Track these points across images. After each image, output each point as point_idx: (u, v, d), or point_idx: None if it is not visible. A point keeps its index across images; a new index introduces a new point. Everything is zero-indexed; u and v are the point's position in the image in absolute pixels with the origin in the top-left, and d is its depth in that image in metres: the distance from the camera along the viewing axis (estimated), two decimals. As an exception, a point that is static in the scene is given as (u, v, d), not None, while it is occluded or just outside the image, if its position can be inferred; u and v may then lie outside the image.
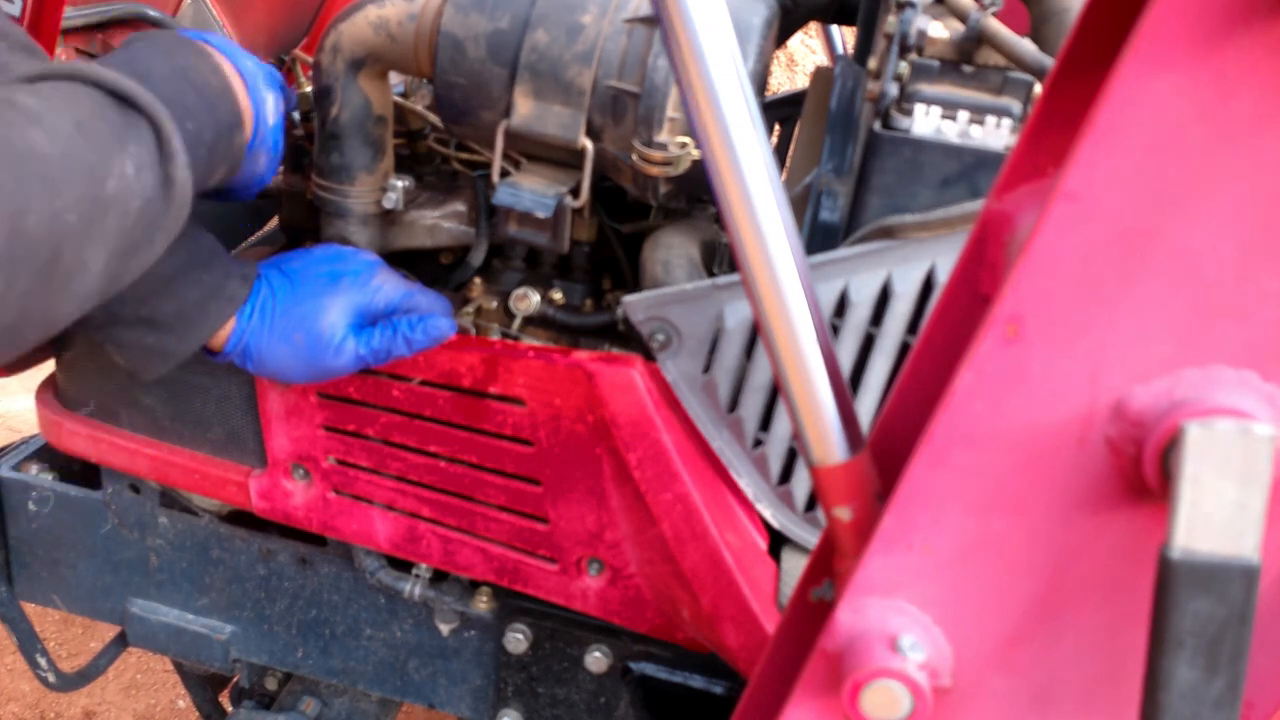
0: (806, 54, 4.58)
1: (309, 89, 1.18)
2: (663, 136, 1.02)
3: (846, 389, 0.59)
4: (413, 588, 1.27)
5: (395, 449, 1.18)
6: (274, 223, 1.39)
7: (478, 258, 1.18)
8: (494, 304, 1.19)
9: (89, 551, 1.39)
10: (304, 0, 1.67)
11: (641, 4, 1.04)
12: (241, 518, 1.32)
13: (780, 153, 1.53)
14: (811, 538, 1.08)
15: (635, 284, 1.19)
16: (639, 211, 1.22)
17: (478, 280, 1.19)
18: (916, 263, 0.97)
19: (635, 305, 1.04)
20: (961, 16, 1.00)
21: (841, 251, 0.98)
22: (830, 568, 0.64)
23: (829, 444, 0.59)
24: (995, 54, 0.98)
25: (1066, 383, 0.52)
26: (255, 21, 1.52)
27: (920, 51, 0.99)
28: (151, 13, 1.23)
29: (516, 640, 1.27)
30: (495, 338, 1.16)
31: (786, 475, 1.07)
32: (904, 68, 1.00)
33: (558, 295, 1.17)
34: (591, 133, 1.06)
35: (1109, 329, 0.51)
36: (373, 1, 1.08)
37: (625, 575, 1.16)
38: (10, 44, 0.97)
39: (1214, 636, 0.46)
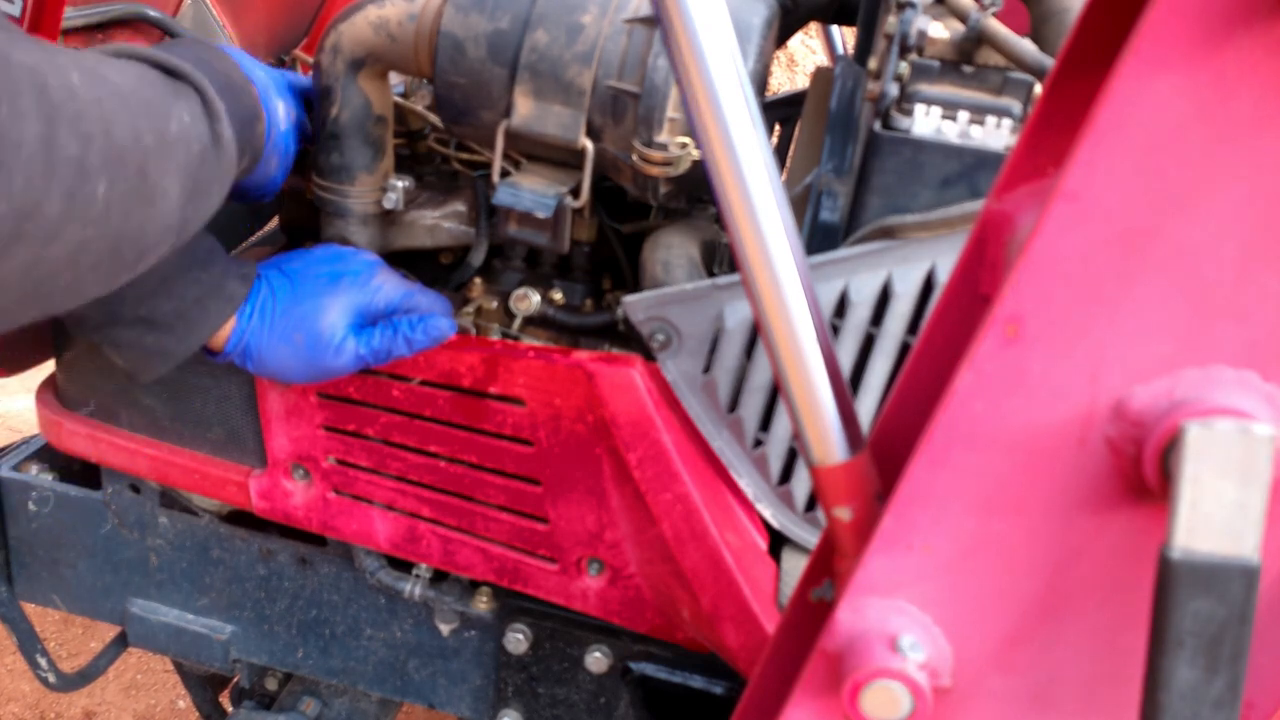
0: (806, 54, 4.58)
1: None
2: (663, 136, 1.02)
3: (846, 389, 0.59)
4: (413, 588, 1.27)
5: (395, 449, 1.18)
6: (274, 223, 1.39)
7: (478, 258, 1.18)
8: (494, 304, 1.19)
9: (89, 551, 1.39)
10: (304, 0, 1.67)
11: (641, 4, 1.04)
12: (241, 518, 1.32)
13: (780, 153, 1.53)
14: (811, 538, 1.08)
15: (635, 284, 1.19)
16: (639, 211, 1.22)
17: (478, 280, 1.19)
18: (916, 263, 0.97)
19: (635, 305, 1.04)
20: (961, 16, 1.00)
21: (841, 251, 0.98)
22: (830, 568, 0.64)
23: (829, 444, 0.59)
24: (995, 54, 0.98)
25: (1066, 383, 0.52)
26: (255, 21, 1.52)
27: (920, 51, 0.99)
28: (151, 13, 1.23)
29: (516, 640, 1.27)
30: (495, 338, 1.16)
31: (786, 475, 1.07)
32: (904, 68, 1.00)
33: (558, 295, 1.17)
34: (591, 133, 1.06)
35: (1109, 329, 0.51)
36: (373, 2, 1.08)
37: (625, 575, 1.16)
38: None
39: (1214, 636, 0.46)
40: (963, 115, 0.96)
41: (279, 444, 1.21)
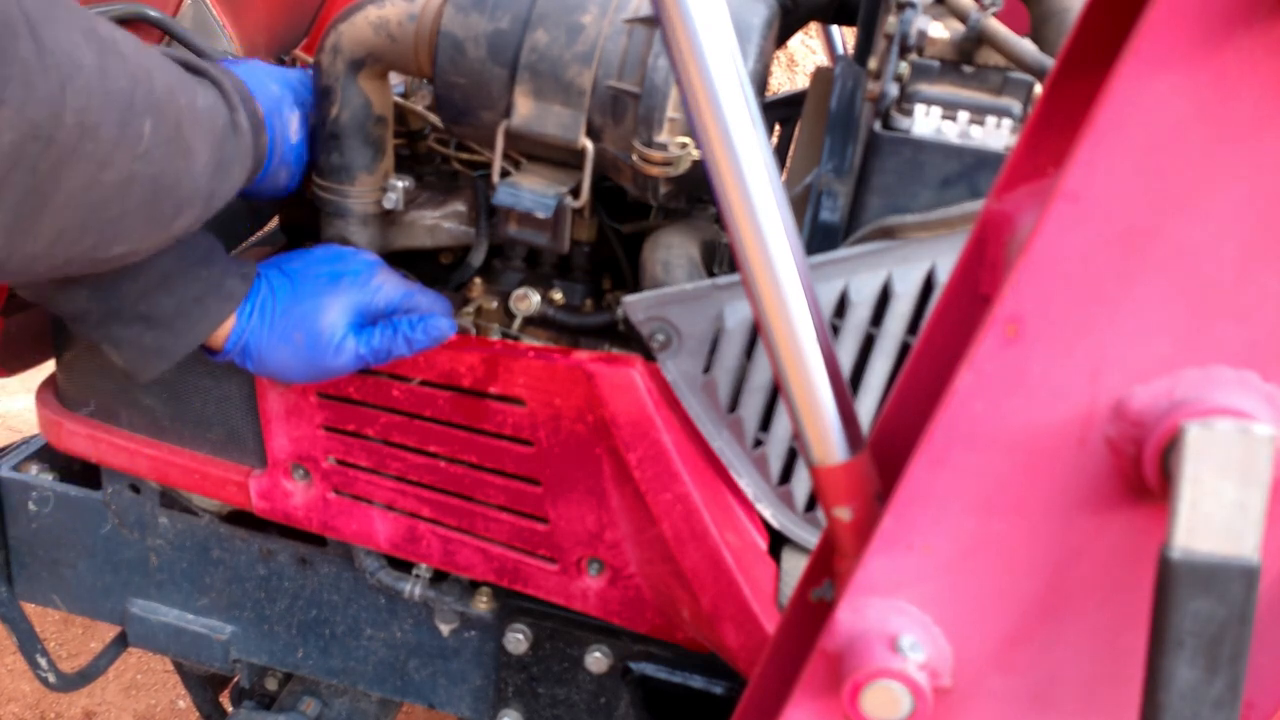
0: (806, 54, 4.57)
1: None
2: (663, 136, 1.02)
3: (846, 389, 0.59)
4: (413, 588, 1.27)
5: (395, 449, 1.18)
6: (274, 223, 1.39)
7: (478, 258, 1.18)
8: (494, 304, 1.19)
9: (89, 551, 1.39)
10: (304, 0, 1.67)
11: (641, 4, 1.04)
12: (241, 518, 1.32)
13: (780, 153, 1.53)
14: (811, 538, 1.08)
15: (635, 284, 1.19)
16: (639, 211, 1.22)
17: (478, 280, 1.19)
18: (916, 263, 0.97)
19: (635, 305, 1.04)
20: (961, 16, 1.00)
21: (841, 251, 0.98)
22: (830, 568, 0.64)
23: (829, 444, 0.59)
24: (995, 54, 0.98)
25: (1066, 383, 0.52)
26: (255, 21, 1.52)
27: (920, 52, 0.99)
28: (151, 13, 1.23)
29: (516, 640, 1.27)
30: (495, 338, 1.16)
31: (786, 475, 1.07)
32: (904, 68, 1.00)
33: (558, 295, 1.17)
34: (591, 133, 1.06)
35: (1109, 329, 0.51)
36: (373, 2, 1.08)
37: (625, 575, 1.16)
38: None
39: (1214, 636, 0.46)
40: (963, 115, 0.96)
41: (279, 444, 1.21)
